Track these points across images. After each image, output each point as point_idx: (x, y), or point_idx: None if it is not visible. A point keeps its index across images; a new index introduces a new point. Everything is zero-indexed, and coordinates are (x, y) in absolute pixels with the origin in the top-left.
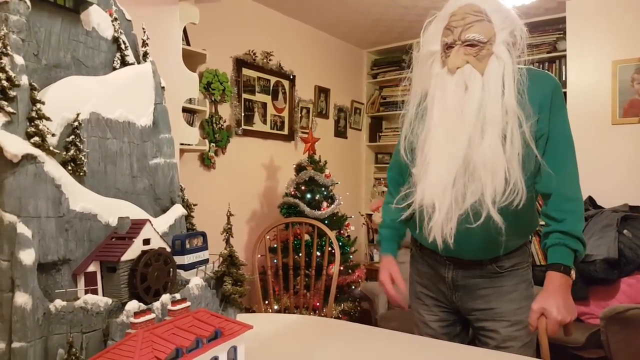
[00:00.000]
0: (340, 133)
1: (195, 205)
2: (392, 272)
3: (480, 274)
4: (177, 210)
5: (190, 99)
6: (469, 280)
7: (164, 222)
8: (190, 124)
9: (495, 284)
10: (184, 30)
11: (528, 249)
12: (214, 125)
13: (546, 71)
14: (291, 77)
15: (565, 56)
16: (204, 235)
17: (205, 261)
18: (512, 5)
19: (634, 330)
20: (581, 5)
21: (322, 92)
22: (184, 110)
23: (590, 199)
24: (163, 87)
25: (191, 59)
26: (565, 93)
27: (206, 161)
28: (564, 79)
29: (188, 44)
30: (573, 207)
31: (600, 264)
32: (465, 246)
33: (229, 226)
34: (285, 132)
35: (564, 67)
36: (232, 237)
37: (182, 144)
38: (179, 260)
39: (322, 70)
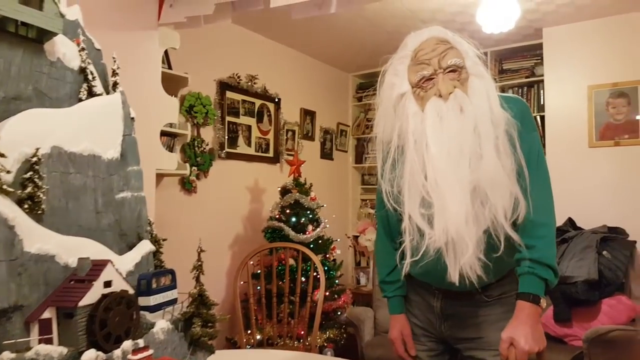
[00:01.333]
0: (326, 155)
1: (164, 240)
2: (404, 332)
3: (469, 303)
4: (145, 247)
5: (171, 124)
6: (458, 309)
7: (129, 259)
8: (171, 148)
9: (484, 313)
10: (166, 54)
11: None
12: (196, 148)
13: (515, 95)
14: (276, 100)
15: (543, 81)
16: (172, 273)
17: (174, 301)
18: (492, 32)
19: (616, 351)
20: (557, 32)
21: (308, 114)
22: (164, 134)
23: (570, 220)
24: (132, 118)
25: (173, 83)
26: (543, 117)
27: (187, 185)
28: (542, 103)
29: (170, 67)
30: (543, 233)
31: (582, 286)
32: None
33: (199, 263)
34: (271, 154)
35: (541, 91)
36: (202, 274)
37: (159, 170)
38: (144, 301)
39: (307, 93)
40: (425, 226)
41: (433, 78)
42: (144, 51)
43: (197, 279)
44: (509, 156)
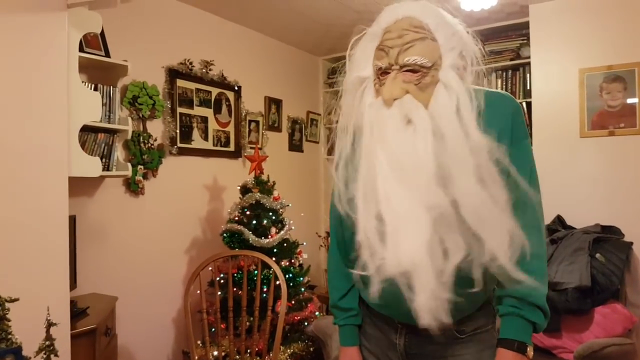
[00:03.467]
0: (295, 147)
1: (12, 301)
2: None
3: (437, 340)
4: None
5: (114, 121)
6: (424, 348)
7: None
8: (110, 145)
9: (455, 352)
10: (103, 40)
11: (493, 306)
12: (142, 145)
13: (503, 92)
14: (236, 87)
15: (529, 63)
16: (16, 352)
17: None
18: (472, 9)
19: None
20: (545, 9)
21: (274, 103)
22: (102, 130)
23: (559, 218)
24: None
25: (109, 72)
26: (529, 104)
27: (132, 186)
28: (528, 88)
29: (107, 54)
30: (534, 266)
31: (572, 293)
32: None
33: (46, 344)
34: (232, 148)
35: (528, 75)
36: (56, 355)
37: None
38: None
39: (272, 80)
40: (378, 245)
41: (389, 72)
42: (49, 37)
43: None
44: (497, 184)
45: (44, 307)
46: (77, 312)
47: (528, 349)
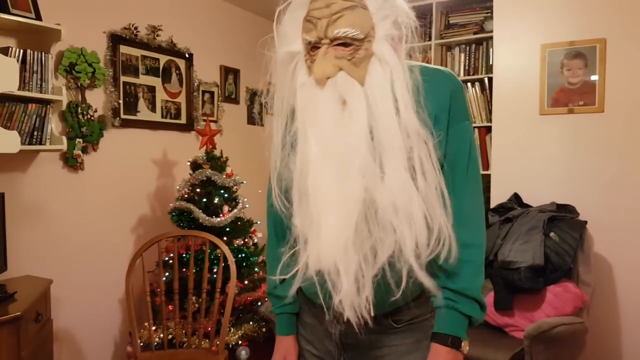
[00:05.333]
0: (254, 120)
1: None
2: (288, 358)
3: (373, 329)
4: None
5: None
6: (360, 337)
7: None
8: (43, 117)
9: (391, 342)
10: (34, 2)
11: (431, 295)
12: (80, 116)
13: (442, 68)
14: (187, 55)
15: (492, 38)
16: None
17: None
18: None
19: (559, 348)
20: None
21: (230, 72)
22: (33, 100)
23: (516, 196)
24: None
25: (41, 37)
26: (491, 79)
27: (70, 161)
28: (490, 63)
29: (38, 17)
30: (470, 256)
31: (525, 272)
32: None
33: None
34: (183, 120)
35: (491, 49)
36: None
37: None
38: None
39: (229, 48)
40: (306, 240)
41: (319, 47)
42: None
43: None
44: (431, 174)
45: None
46: (2, 298)
47: (463, 343)
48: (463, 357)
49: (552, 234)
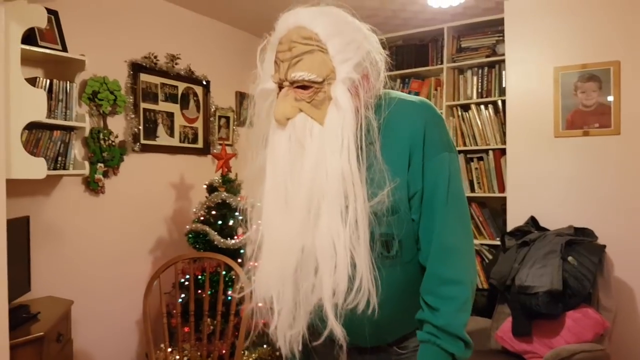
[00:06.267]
0: None
1: None
2: None
3: (379, 357)
4: None
5: (71, 117)
6: None
7: None
8: (67, 143)
9: None
10: (60, 34)
11: None
12: (102, 142)
13: (418, 100)
14: (204, 82)
15: (504, 61)
16: None
17: None
18: (440, 5)
19: None
20: (520, 5)
21: (245, 98)
22: (58, 127)
23: (532, 219)
24: None
25: (66, 67)
26: (504, 102)
27: (92, 185)
28: (503, 85)
29: (64, 49)
30: (453, 293)
31: (543, 297)
32: (357, 331)
33: None
34: (200, 145)
35: (503, 72)
36: None
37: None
38: None
39: (243, 74)
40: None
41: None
42: None
43: None
44: (362, 227)
45: None
46: (27, 318)
47: None
48: None
49: (570, 258)
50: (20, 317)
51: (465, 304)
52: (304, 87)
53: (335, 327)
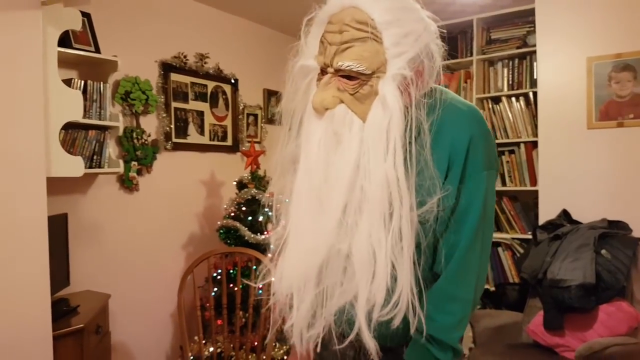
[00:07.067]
0: None
1: None
2: None
3: (386, 358)
4: None
5: (105, 117)
6: None
7: None
8: (102, 142)
9: None
10: (93, 36)
11: None
12: (135, 141)
13: (470, 107)
14: (233, 80)
15: (535, 52)
16: None
17: None
18: None
19: None
20: None
21: (272, 95)
22: (93, 127)
23: (565, 212)
24: None
25: (100, 68)
26: (535, 94)
27: (127, 183)
28: (535, 77)
29: (97, 50)
30: (454, 309)
31: (576, 291)
32: (385, 330)
33: None
34: (229, 142)
35: (535, 63)
36: None
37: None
38: None
39: (271, 72)
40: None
41: (326, 72)
42: (22, 35)
43: None
44: (407, 236)
45: (23, 309)
46: (67, 311)
47: None
48: None
49: (603, 252)
50: (61, 310)
51: (462, 322)
52: (349, 77)
53: (368, 340)
